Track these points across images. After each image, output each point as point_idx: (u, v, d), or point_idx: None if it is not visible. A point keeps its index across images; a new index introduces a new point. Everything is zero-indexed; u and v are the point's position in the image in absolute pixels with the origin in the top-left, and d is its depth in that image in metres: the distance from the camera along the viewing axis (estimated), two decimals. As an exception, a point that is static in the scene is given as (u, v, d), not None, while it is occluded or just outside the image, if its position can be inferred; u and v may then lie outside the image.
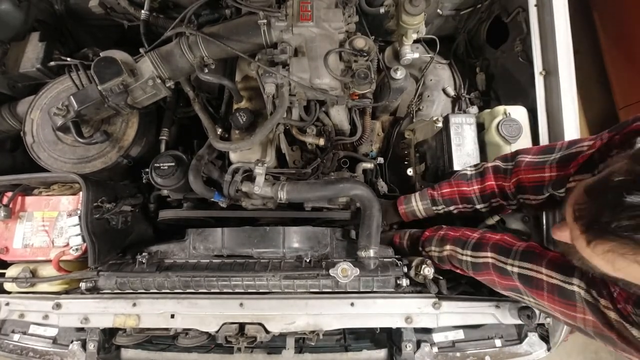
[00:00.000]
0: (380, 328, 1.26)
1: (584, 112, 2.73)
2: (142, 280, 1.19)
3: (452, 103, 1.69)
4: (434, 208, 1.24)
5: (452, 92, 1.67)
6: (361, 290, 1.19)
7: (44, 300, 1.21)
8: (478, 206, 1.16)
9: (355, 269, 1.15)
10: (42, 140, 1.32)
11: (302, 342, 1.28)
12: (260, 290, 1.20)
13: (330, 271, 1.15)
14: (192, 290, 1.21)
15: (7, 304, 1.22)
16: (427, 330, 1.24)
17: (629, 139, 0.76)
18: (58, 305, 1.19)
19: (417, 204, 1.27)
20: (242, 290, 1.19)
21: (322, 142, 1.35)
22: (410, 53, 1.46)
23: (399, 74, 1.38)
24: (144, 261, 1.23)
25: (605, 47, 2.69)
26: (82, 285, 1.21)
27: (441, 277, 1.19)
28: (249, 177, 1.26)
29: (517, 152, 1.08)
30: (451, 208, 1.21)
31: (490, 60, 1.71)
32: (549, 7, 1.28)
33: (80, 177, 1.17)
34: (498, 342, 1.22)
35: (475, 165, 1.18)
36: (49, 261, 1.18)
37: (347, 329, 1.37)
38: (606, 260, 0.58)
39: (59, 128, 1.21)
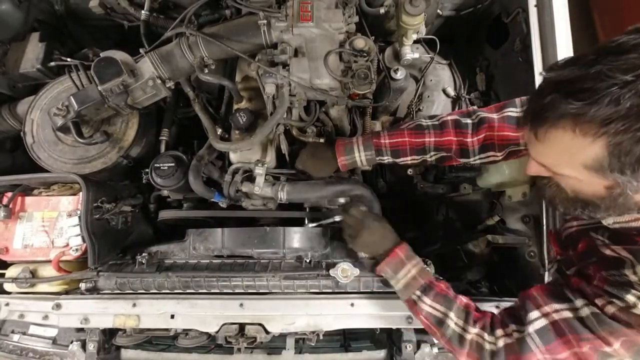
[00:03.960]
0: (381, 328, 1.26)
1: (584, 112, 2.72)
2: (142, 281, 1.19)
3: (452, 103, 1.69)
4: (379, 158, 1.15)
5: (452, 93, 1.67)
6: (361, 290, 1.19)
7: (43, 301, 1.21)
8: (428, 157, 1.12)
9: (355, 269, 1.15)
10: (42, 141, 1.32)
11: (302, 343, 1.28)
12: (260, 291, 1.20)
13: (331, 271, 1.15)
14: (192, 291, 1.21)
15: (7, 304, 1.22)
16: (427, 331, 1.24)
17: None
18: (58, 306, 1.19)
19: (359, 155, 1.14)
20: (242, 291, 1.19)
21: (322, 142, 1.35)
22: (410, 53, 1.46)
23: (399, 74, 1.38)
24: (143, 261, 1.23)
25: (605, 47, 2.69)
26: (82, 285, 1.21)
27: (441, 278, 1.19)
28: (249, 177, 1.26)
29: (475, 110, 1.08)
30: (398, 160, 1.14)
31: (490, 61, 1.71)
32: (549, 8, 1.28)
33: (80, 177, 1.18)
34: (498, 343, 1.22)
35: (431, 117, 1.12)
36: (49, 261, 1.18)
37: (347, 330, 1.37)
38: (550, 142, 0.64)
39: (59, 128, 1.21)
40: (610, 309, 0.73)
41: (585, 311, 0.77)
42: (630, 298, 0.71)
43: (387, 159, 1.15)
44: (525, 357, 0.83)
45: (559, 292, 0.84)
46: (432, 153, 1.11)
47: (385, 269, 1.07)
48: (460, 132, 1.06)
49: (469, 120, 1.07)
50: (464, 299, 1.00)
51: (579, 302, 0.79)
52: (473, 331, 0.91)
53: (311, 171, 1.25)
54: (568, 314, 0.80)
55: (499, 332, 0.89)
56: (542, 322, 0.82)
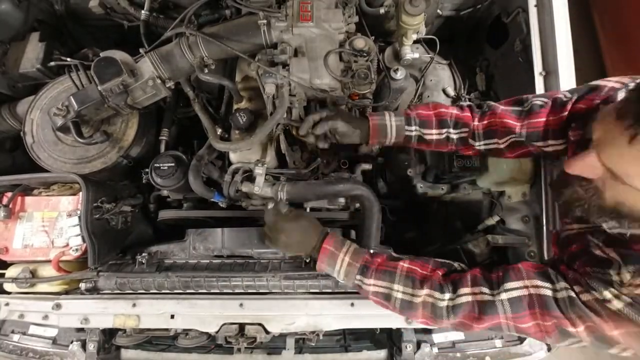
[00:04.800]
0: (381, 328, 1.26)
1: (583, 112, 2.73)
2: (142, 281, 1.19)
3: (452, 103, 1.69)
4: (407, 128, 1.14)
5: (452, 93, 1.67)
6: (361, 290, 1.19)
7: (43, 301, 1.21)
8: (452, 131, 1.11)
9: (355, 270, 1.15)
10: (42, 141, 1.32)
11: (302, 343, 1.28)
12: (260, 291, 1.20)
13: (331, 271, 1.15)
14: (192, 291, 1.21)
15: (7, 304, 1.22)
16: (427, 331, 1.24)
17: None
18: (58, 306, 1.19)
19: (390, 119, 1.14)
20: (242, 291, 1.20)
21: (322, 142, 1.35)
22: (410, 53, 1.46)
23: (399, 74, 1.38)
24: (143, 261, 1.23)
25: (605, 47, 2.69)
26: (82, 285, 1.21)
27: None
28: (249, 177, 1.26)
29: (487, 103, 1.11)
30: (424, 131, 1.13)
31: (490, 61, 1.71)
32: (548, 8, 1.28)
33: (80, 177, 1.18)
34: (498, 343, 1.22)
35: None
36: (49, 261, 1.18)
37: (347, 330, 1.37)
38: None
39: (59, 128, 1.21)
40: (586, 297, 0.77)
41: (563, 294, 0.81)
42: (607, 294, 0.74)
43: (414, 128, 1.14)
44: (487, 318, 0.86)
45: (544, 272, 0.87)
46: (453, 130, 1.11)
47: (323, 267, 1.06)
48: (474, 114, 1.10)
49: (482, 108, 1.11)
50: (405, 264, 0.99)
51: (559, 285, 0.83)
52: (421, 293, 0.93)
53: (342, 134, 1.17)
54: (546, 292, 0.83)
55: (465, 290, 0.90)
56: (519, 293, 0.85)
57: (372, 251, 1.07)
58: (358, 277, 1.01)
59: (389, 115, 1.15)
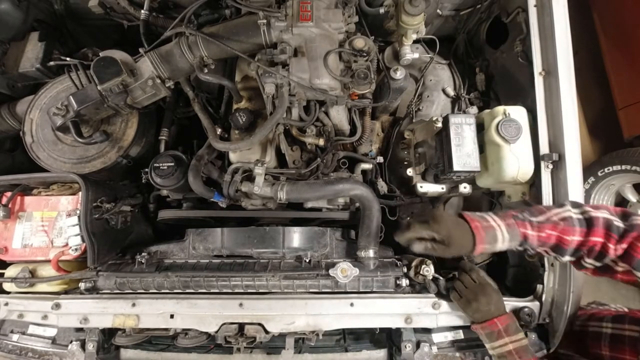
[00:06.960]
0: (380, 328, 1.26)
1: (583, 112, 2.73)
2: (141, 281, 1.19)
3: (451, 103, 1.68)
4: (518, 247, 1.00)
5: (451, 93, 1.67)
6: (361, 290, 1.19)
7: (43, 301, 1.21)
8: (564, 258, 0.99)
9: (354, 269, 1.16)
10: (42, 140, 1.32)
11: (302, 343, 1.28)
12: (260, 291, 1.20)
13: (330, 271, 1.15)
14: (192, 291, 1.21)
15: (7, 304, 1.22)
16: (427, 331, 1.24)
17: None
18: (57, 306, 1.19)
19: (503, 244, 0.97)
20: (242, 291, 1.19)
21: (321, 142, 1.35)
22: (410, 53, 1.46)
23: (399, 74, 1.38)
24: (143, 261, 1.23)
25: (605, 47, 2.69)
26: (82, 285, 1.21)
27: (440, 277, 1.20)
28: (249, 177, 1.26)
29: (629, 212, 0.96)
30: (534, 252, 1.02)
31: (490, 61, 1.71)
32: (548, 8, 1.28)
33: (79, 177, 1.18)
34: (498, 343, 1.22)
35: (577, 207, 1.01)
36: (48, 261, 1.18)
37: (346, 329, 1.37)
38: None
39: (59, 128, 1.21)
40: None
41: None
42: None
43: (525, 250, 1.03)
44: None
45: None
46: (568, 257, 1.00)
47: (479, 332, 1.12)
48: (609, 234, 0.94)
49: (621, 224, 0.94)
50: None
51: None
52: None
53: (451, 248, 1.00)
54: None
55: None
56: None
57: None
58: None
59: (503, 240, 0.97)
